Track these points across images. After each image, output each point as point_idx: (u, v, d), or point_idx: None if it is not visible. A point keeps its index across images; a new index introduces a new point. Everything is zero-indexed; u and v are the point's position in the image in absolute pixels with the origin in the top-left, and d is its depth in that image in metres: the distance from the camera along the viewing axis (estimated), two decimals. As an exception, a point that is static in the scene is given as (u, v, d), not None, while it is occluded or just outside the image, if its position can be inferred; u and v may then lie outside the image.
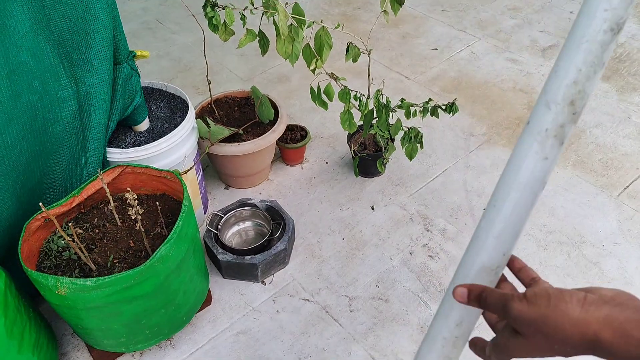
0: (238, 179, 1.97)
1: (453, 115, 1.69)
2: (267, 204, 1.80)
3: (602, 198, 1.94)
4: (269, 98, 1.90)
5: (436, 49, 2.73)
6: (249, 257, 1.65)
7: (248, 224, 1.82)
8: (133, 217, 1.27)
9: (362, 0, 3.13)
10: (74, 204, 1.46)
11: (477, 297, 0.57)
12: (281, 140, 2.01)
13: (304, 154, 2.10)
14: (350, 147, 1.96)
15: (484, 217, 0.57)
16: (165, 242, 1.30)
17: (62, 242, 1.42)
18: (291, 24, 1.47)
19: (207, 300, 1.64)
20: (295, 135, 2.05)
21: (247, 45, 2.83)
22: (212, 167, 2.06)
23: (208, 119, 1.77)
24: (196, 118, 1.78)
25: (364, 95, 1.59)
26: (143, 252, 1.41)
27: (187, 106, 1.71)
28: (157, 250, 1.28)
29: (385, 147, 1.89)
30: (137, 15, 3.10)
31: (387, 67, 2.60)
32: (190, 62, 2.70)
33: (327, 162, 2.11)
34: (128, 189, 1.29)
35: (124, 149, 1.56)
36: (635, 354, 0.45)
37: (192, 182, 1.73)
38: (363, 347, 1.53)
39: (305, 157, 2.12)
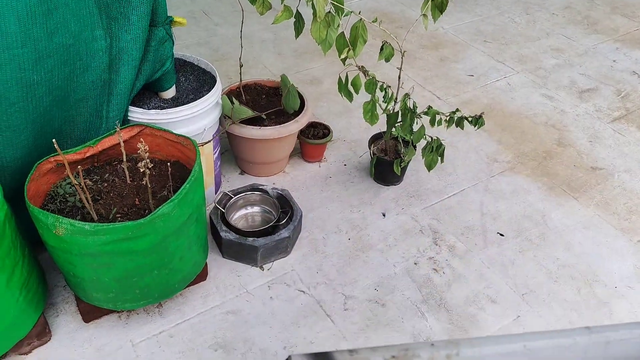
0: (254, 166, 1.97)
1: (479, 128, 1.66)
2: (279, 192, 1.79)
3: (622, 241, 1.88)
4: (297, 90, 1.90)
5: (472, 75, 2.71)
6: (251, 239, 1.63)
7: (256, 209, 1.81)
8: (142, 170, 1.27)
9: (405, 20, 3.15)
10: (87, 154, 1.47)
11: None
12: (303, 135, 2.00)
13: (324, 153, 2.09)
14: (370, 149, 1.94)
15: None
16: (169, 200, 1.29)
17: (70, 188, 1.42)
18: (329, 12, 1.47)
19: (202, 276, 1.62)
20: (318, 132, 2.04)
21: (285, 44, 2.86)
22: (230, 152, 2.06)
23: (234, 99, 1.77)
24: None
25: (390, 87, 1.58)
26: (146, 212, 1.40)
27: (215, 82, 1.72)
28: (160, 207, 1.27)
29: (404, 151, 1.86)
30: (185, 4, 3.16)
31: (420, 85, 2.59)
32: (227, 53, 2.73)
33: (345, 165, 2.09)
34: (141, 139, 1.29)
35: (147, 109, 1.57)
36: None
37: (207, 157, 1.72)
38: (352, 346, 1.48)
39: (324, 156, 2.10)
